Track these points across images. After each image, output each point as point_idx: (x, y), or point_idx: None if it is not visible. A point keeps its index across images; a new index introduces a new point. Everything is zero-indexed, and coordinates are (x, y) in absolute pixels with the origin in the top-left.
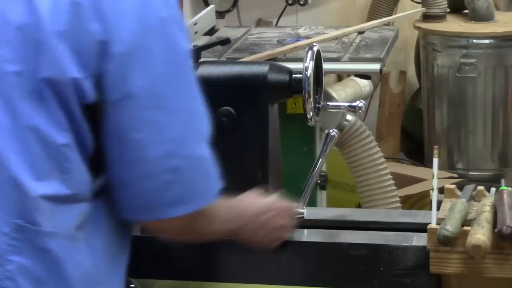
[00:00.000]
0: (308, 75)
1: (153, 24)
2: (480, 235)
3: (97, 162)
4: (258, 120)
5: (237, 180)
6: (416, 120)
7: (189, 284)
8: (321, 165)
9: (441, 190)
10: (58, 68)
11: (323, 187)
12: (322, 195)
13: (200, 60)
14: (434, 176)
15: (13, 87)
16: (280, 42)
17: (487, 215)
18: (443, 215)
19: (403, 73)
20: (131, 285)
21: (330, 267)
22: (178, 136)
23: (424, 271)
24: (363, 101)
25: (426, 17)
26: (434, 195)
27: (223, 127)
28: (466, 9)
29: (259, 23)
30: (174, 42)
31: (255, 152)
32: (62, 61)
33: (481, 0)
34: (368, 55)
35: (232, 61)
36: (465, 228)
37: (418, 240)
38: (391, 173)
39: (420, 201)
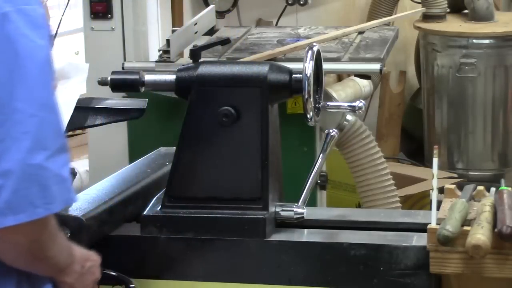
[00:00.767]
0: (308, 75)
1: None
2: (480, 235)
3: None
4: (258, 120)
5: (237, 180)
6: (416, 120)
7: (189, 284)
8: (321, 165)
9: (441, 190)
10: None
11: (323, 187)
12: (322, 195)
13: (200, 60)
14: (434, 176)
15: None
16: (280, 42)
17: (487, 215)
18: (443, 215)
19: (403, 73)
20: (131, 285)
21: (330, 267)
22: (10, 138)
23: (424, 271)
24: (363, 101)
25: (426, 17)
26: (434, 195)
27: (223, 127)
28: (466, 9)
29: (259, 23)
30: (13, 41)
31: (255, 152)
32: None
33: (481, 0)
34: (368, 55)
35: (232, 61)
36: (465, 228)
37: (418, 240)
38: (391, 173)
39: (420, 201)
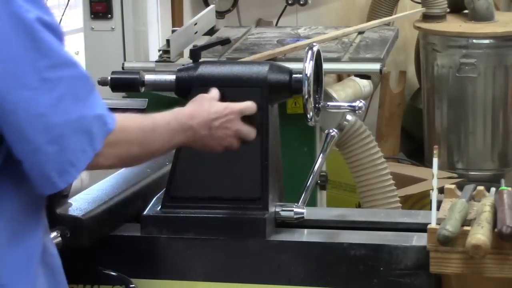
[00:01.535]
0: (308, 75)
1: None
2: (480, 235)
3: None
4: (258, 120)
5: (237, 180)
6: (416, 120)
7: (189, 284)
8: (321, 165)
9: (441, 190)
10: None
11: (323, 187)
12: (322, 195)
13: (200, 60)
14: (434, 176)
15: None
16: (280, 42)
17: (487, 215)
18: (443, 215)
19: (403, 73)
20: (131, 285)
21: (330, 267)
22: (51, 107)
23: (424, 271)
24: (363, 101)
25: (426, 17)
26: (434, 195)
27: None
28: (466, 9)
29: (259, 23)
30: (21, 17)
31: (255, 152)
32: None
33: (481, 0)
34: (368, 55)
35: (232, 61)
36: (465, 228)
37: (418, 240)
38: (391, 173)
39: (420, 201)
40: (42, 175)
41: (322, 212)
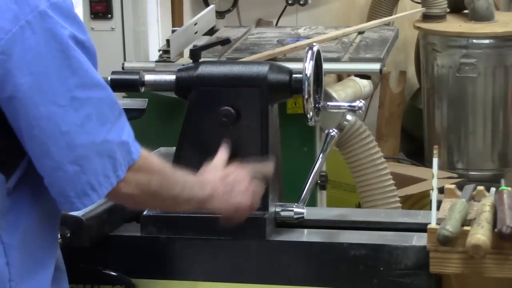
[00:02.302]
0: (308, 75)
1: (30, 20)
2: (480, 235)
3: (4, 163)
4: (258, 120)
5: None
6: (416, 120)
7: (189, 284)
8: (321, 165)
9: (441, 190)
10: None
11: (323, 187)
12: (322, 195)
13: (200, 60)
14: (434, 176)
15: None
16: (280, 42)
17: (487, 215)
18: (443, 215)
19: (403, 73)
20: (131, 285)
21: (330, 267)
22: (76, 126)
23: (424, 271)
24: (363, 101)
25: (426, 17)
26: (434, 195)
27: (223, 127)
28: (466, 9)
29: (259, 23)
30: (56, 34)
31: (255, 152)
32: None
33: (481, 0)
34: (368, 55)
35: (232, 61)
36: (465, 228)
37: (418, 240)
38: (391, 173)
39: (420, 201)
40: (61, 193)
41: (322, 212)
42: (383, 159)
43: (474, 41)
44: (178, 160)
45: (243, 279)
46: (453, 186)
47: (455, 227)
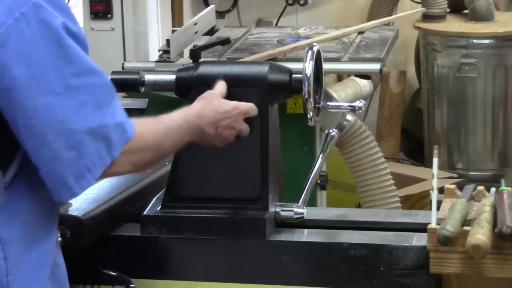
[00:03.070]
0: (308, 75)
1: (24, 11)
2: (480, 235)
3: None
4: (258, 120)
5: (237, 180)
6: (416, 120)
7: (189, 284)
8: (321, 165)
9: (441, 190)
10: None
11: (323, 187)
12: (322, 195)
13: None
14: (434, 176)
15: None
16: (280, 42)
17: (487, 215)
18: (443, 215)
19: (403, 73)
20: (131, 285)
21: (330, 267)
22: (73, 113)
23: (424, 271)
24: (363, 101)
25: (426, 17)
26: (434, 195)
27: None
28: (466, 9)
29: (259, 23)
30: (50, 24)
31: (255, 152)
32: None
33: (481, 0)
34: (368, 55)
35: (232, 61)
36: (465, 228)
37: (418, 240)
38: (391, 173)
39: (420, 201)
40: (59, 181)
41: (322, 212)
42: (383, 159)
43: (474, 41)
44: (178, 160)
45: (243, 279)
46: (453, 186)
47: (455, 227)
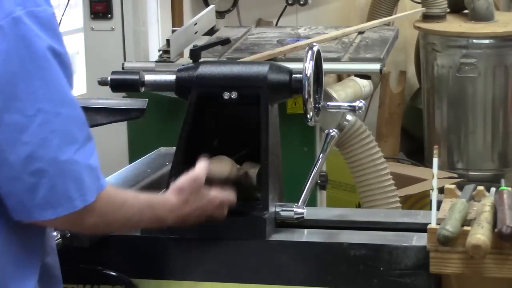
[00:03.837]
0: (308, 75)
1: (2, 24)
2: (480, 235)
3: None
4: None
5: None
6: (416, 120)
7: (189, 284)
8: (321, 165)
9: (441, 190)
10: None
11: (323, 187)
12: (322, 195)
13: (200, 60)
14: (434, 176)
15: None
16: (280, 42)
17: (487, 215)
18: (443, 215)
19: (403, 73)
20: (131, 285)
21: (330, 267)
22: (39, 139)
23: (424, 271)
24: (363, 101)
25: (426, 17)
26: (434, 195)
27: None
28: (466, 9)
29: (259, 23)
30: (29, 42)
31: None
32: None
33: (481, 0)
34: (368, 55)
35: (232, 61)
36: (465, 228)
37: (418, 240)
38: (391, 173)
39: (420, 201)
40: (18, 203)
41: (322, 212)
42: (383, 159)
43: (474, 41)
44: (178, 160)
45: (243, 279)
46: (453, 186)
47: (455, 227)
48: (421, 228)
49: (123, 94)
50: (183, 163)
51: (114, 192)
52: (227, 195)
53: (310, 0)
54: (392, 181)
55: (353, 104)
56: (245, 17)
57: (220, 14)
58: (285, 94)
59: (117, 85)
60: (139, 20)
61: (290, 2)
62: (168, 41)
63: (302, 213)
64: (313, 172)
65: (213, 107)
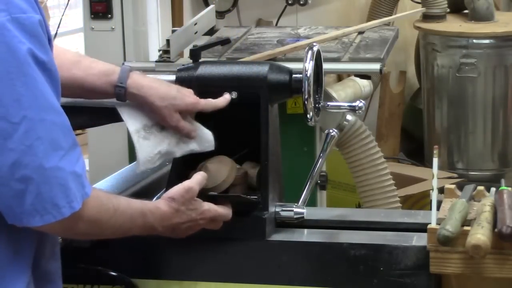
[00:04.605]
0: (308, 75)
1: None
2: (480, 235)
3: None
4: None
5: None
6: (416, 120)
7: (189, 284)
8: (321, 165)
9: (441, 190)
10: None
11: (323, 187)
12: (322, 195)
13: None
14: (434, 176)
15: None
16: (280, 42)
17: (487, 215)
18: (443, 215)
19: (403, 73)
20: (131, 285)
21: (330, 267)
22: (24, 146)
23: (424, 271)
24: (363, 101)
25: (426, 17)
26: (434, 195)
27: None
28: (466, 9)
29: (259, 23)
30: (13, 49)
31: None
32: None
33: (481, 0)
34: (368, 55)
35: (232, 61)
36: (465, 228)
37: (418, 240)
38: (391, 173)
39: (420, 201)
40: (7, 208)
41: (322, 212)
42: (383, 159)
43: (474, 41)
44: (178, 160)
45: (243, 279)
46: (453, 186)
47: (455, 227)
48: (421, 228)
49: None
50: (182, 163)
51: (106, 198)
52: (222, 210)
53: (310, 0)
54: (392, 181)
55: (353, 104)
56: (245, 17)
57: (220, 14)
58: (285, 94)
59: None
60: (139, 20)
61: (290, 2)
62: (168, 41)
63: (302, 213)
64: (313, 172)
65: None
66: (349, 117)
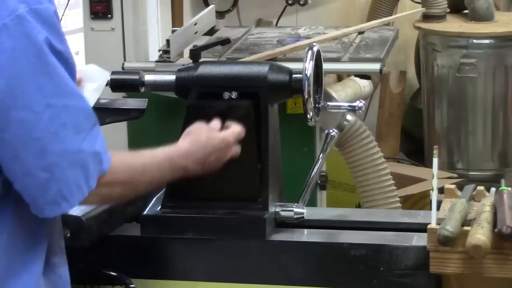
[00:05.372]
0: (308, 75)
1: (6, 23)
2: (480, 235)
3: None
4: (258, 120)
5: (237, 180)
6: (416, 120)
7: (189, 284)
8: (321, 165)
9: (441, 190)
10: None
11: (323, 187)
12: (322, 195)
13: (200, 60)
14: (434, 176)
15: None
16: (280, 42)
17: (487, 215)
18: (443, 215)
19: (403, 73)
20: (131, 285)
21: (330, 267)
22: (49, 133)
23: (424, 271)
24: (363, 101)
25: (426, 17)
26: (434, 195)
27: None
28: (466, 9)
29: (259, 23)
30: (33, 39)
31: (255, 152)
32: None
33: (481, 0)
34: (368, 55)
35: (232, 61)
36: (465, 228)
37: (418, 240)
38: (391, 173)
39: (420, 201)
40: (31, 199)
41: (322, 212)
42: (383, 159)
43: (474, 41)
44: None
45: (243, 279)
46: (453, 186)
47: (455, 227)
48: (421, 228)
49: (123, 94)
50: None
51: (131, 158)
52: (234, 130)
53: (310, 0)
54: (392, 181)
55: (353, 104)
56: (245, 17)
57: (220, 14)
58: (285, 94)
59: (117, 85)
60: (139, 20)
61: (290, 2)
62: (168, 41)
63: (302, 213)
64: (313, 172)
65: (213, 107)
66: (349, 117)
